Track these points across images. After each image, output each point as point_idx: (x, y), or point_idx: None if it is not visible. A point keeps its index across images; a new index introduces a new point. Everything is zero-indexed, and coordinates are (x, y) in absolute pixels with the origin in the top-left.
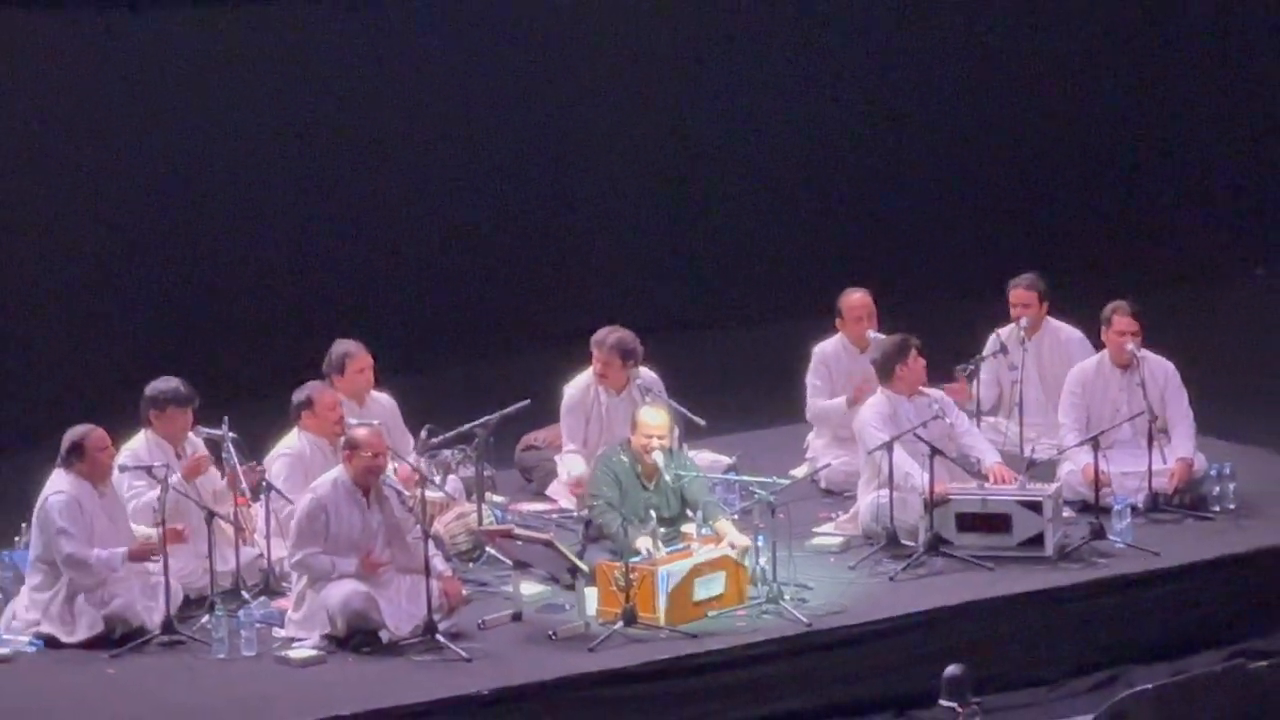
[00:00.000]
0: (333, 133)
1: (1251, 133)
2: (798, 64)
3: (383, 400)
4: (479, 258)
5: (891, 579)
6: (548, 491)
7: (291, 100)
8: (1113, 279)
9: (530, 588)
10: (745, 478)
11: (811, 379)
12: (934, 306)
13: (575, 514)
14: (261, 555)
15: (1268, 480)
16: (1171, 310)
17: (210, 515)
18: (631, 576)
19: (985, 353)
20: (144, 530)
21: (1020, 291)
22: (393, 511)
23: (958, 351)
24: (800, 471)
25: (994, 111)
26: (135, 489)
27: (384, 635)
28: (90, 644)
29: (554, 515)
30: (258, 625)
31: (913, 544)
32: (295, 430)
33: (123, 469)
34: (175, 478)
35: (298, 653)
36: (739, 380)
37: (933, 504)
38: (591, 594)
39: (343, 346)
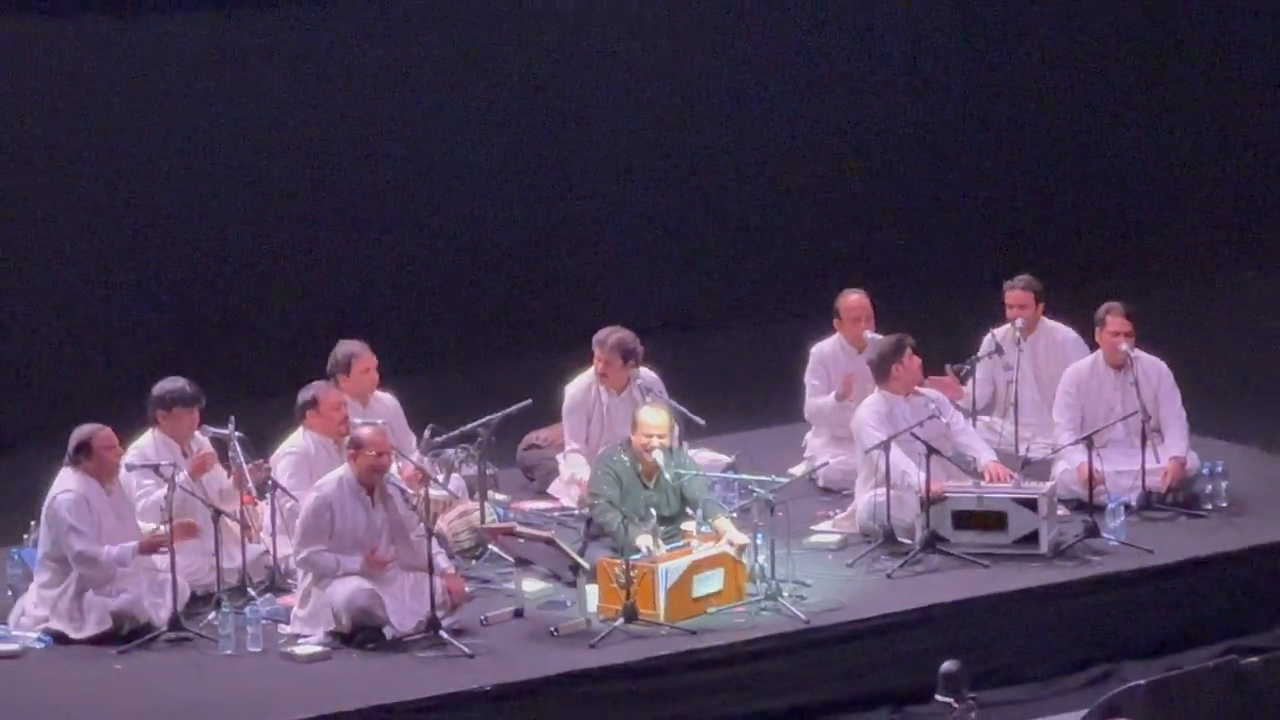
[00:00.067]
0: (337, 134)
1: (1244, 136)
2: (798, 65)
3: (386, 400)
4: (481, 258)
5: (888, 576)
6: (549, 490)
7: (296, 102)
8: (1107, 280)
9: (532, 585)
10: (744, 476)
11: (810, 379)
12: (931, 307)
13: (576, 512)
14: (267, 553)
15: (1259, 479)
16: (1165, 311)
17: (217, 513)
18: (632, 574)
19: (981, 353)
20: (151, 528)
21: (1017, 292)
22: (397, 510)
23: (954, 352)
24: (798, 470)
25: (991, 114)
26: (144, 488)
27: (388, 632)
28: (98, 640)
29: (555, 513)
30: (263, 622)
31: (909, 541)
32: (300, 429)
33: (130, 468)
34: (182, 476)
35: (303, 649)
36: (738, 380)
37: (929, 502)
38: (592, 591)
39: (348, 346)
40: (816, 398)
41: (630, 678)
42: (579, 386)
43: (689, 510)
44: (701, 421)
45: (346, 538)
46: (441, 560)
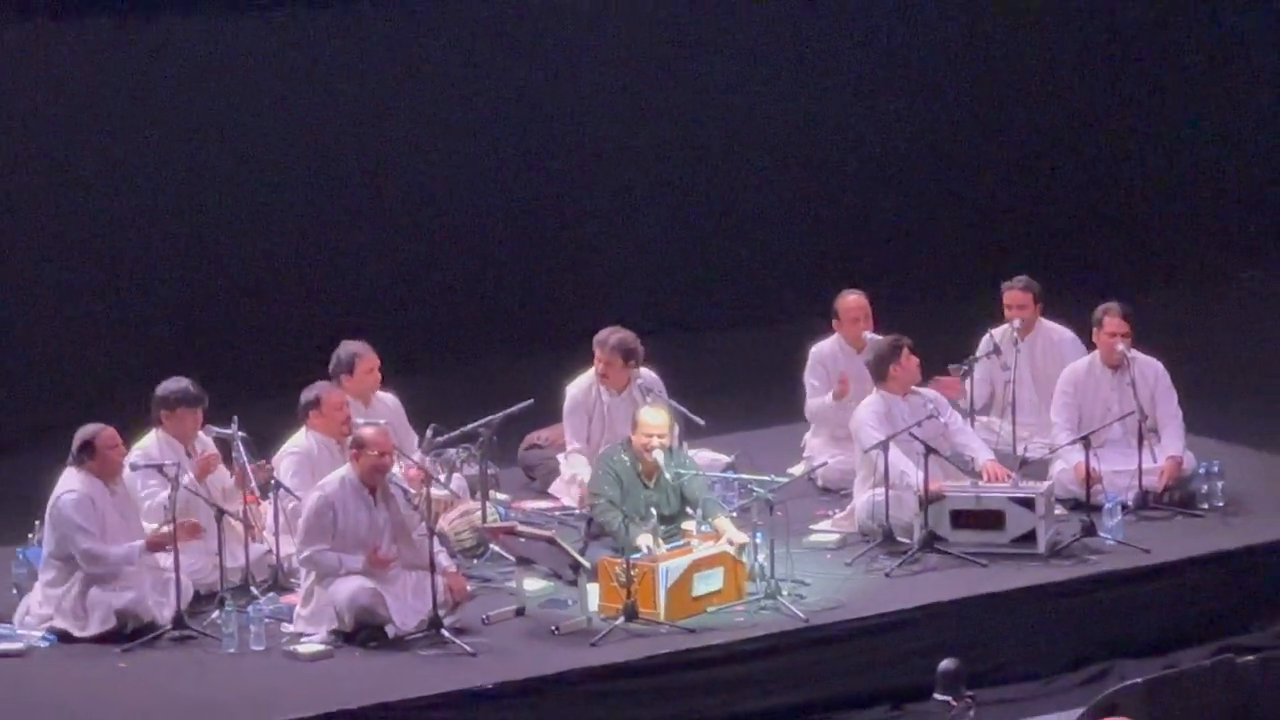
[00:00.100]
0: (340, 136)
1: (1242, 136)
2: (797, 68)
3: (388, 400)
4: (483, 260)
5: (887, 575)
6: (550, 489)
7: (300, 104)
8: (1103, 281)
9: (533, 583)
10: (744, 476)
11: (809, 379)
12: (929, 307)
13: (577, 511)
14: (270, 552)
15: (1255, 478)
16: (1161, 312)
17: (220, 513)
18: (632, 573)
19: (979, 353)
20: (154, 528)
21: (1016, 293)
22: (399, 509)
23: (952, 352)
24: (798, 470)
25: (989, 116)
26: (150, 488)
27: (390, 630)
28: (102, 638)
29: (556, 513)
30: (266, 620)
31: (908, 541)
32: (303, 429)
33: (134, 467)
34: (188, 478)
35: (306, 647)
36: (738, 380)
37: (927, 501)
38: (593, 590)
39: (352, 347)
40: (816, 398)
41: (631, 676)
42: (580, 387)
43: (689, 510)
44: (701, 421)
45: (349, 537)
46: (443, 559)
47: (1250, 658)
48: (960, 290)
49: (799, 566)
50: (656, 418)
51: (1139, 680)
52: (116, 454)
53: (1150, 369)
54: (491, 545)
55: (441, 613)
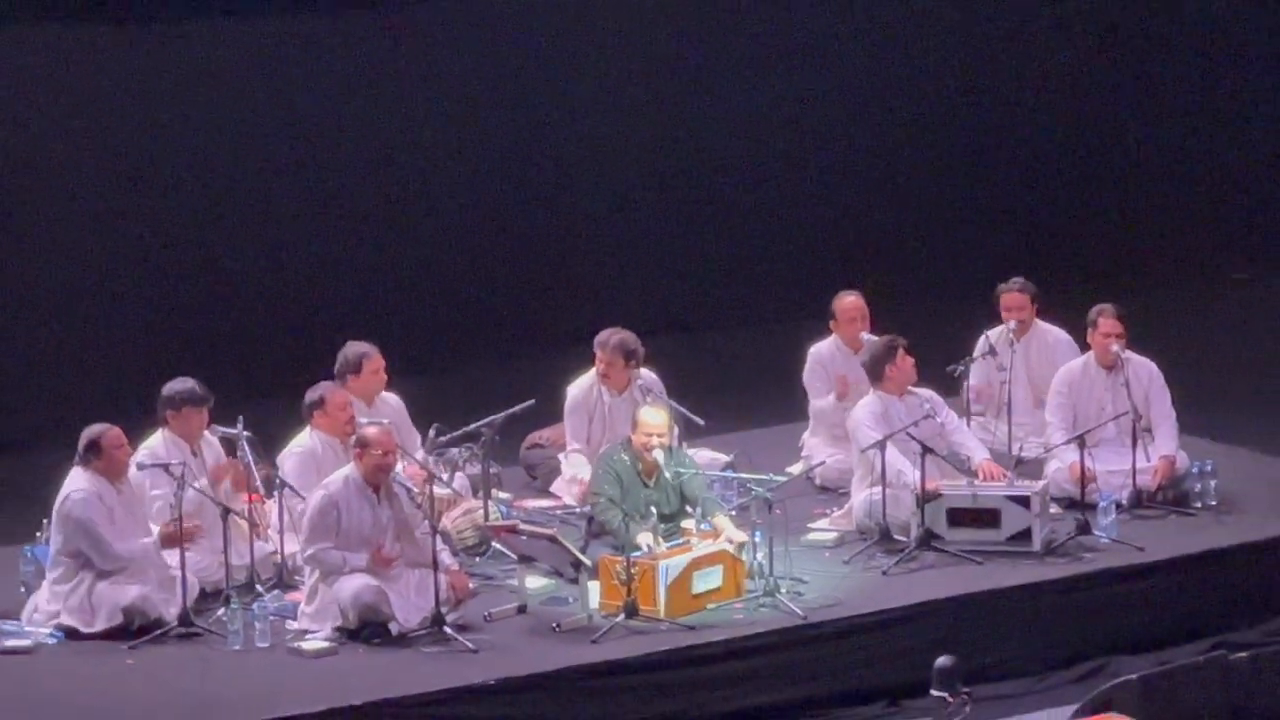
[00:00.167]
0: (342, 139)
1: (1235, 138)
2: (795, 69)
3: (391, 400)
4: (485, 261)
5: (884, 573)
6: (551, 488)
7: (303, 107)
8: (1098, 282)
9: (535, 581)
10: (743, 475)
11: (811, 380)
12: (925, 308)
13: (578, 510)
14: (275, 550)
15: (1248, 478)
16: (1155, 313)
17: (226, 511)
18: (633, 571)
19: (975, 354)
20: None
21: (1014, 295)
22: (402, 508)
23: (948, 353)
24: (796, 469)
25: (985, 119)
26: (160, 487)
27: (393, 627)
28: (109, 635)
29: (558, 511)
30: (271, 618)
31: (905, 539)
32: (307, 429)
33: (141, 467)
34: (201, 482)
35: (310, 644)
36: (737, 381)
37: (924, 500)
38: (594, 587)
39: (359, 348)
40: (819, 399)
41: (631, 673)
42: (581, 387)
43: (688, 508)
44: (701, 421)
45: (353, 535)
46: (446, 557)
47: (1242, 654)
48: (956, 291)
49: (797, 564)
50: (656, 417)
51: (1133, 676)
52: (122, 454)
53: (1144, 369)
54: (493, 543)
55: (444, 610)
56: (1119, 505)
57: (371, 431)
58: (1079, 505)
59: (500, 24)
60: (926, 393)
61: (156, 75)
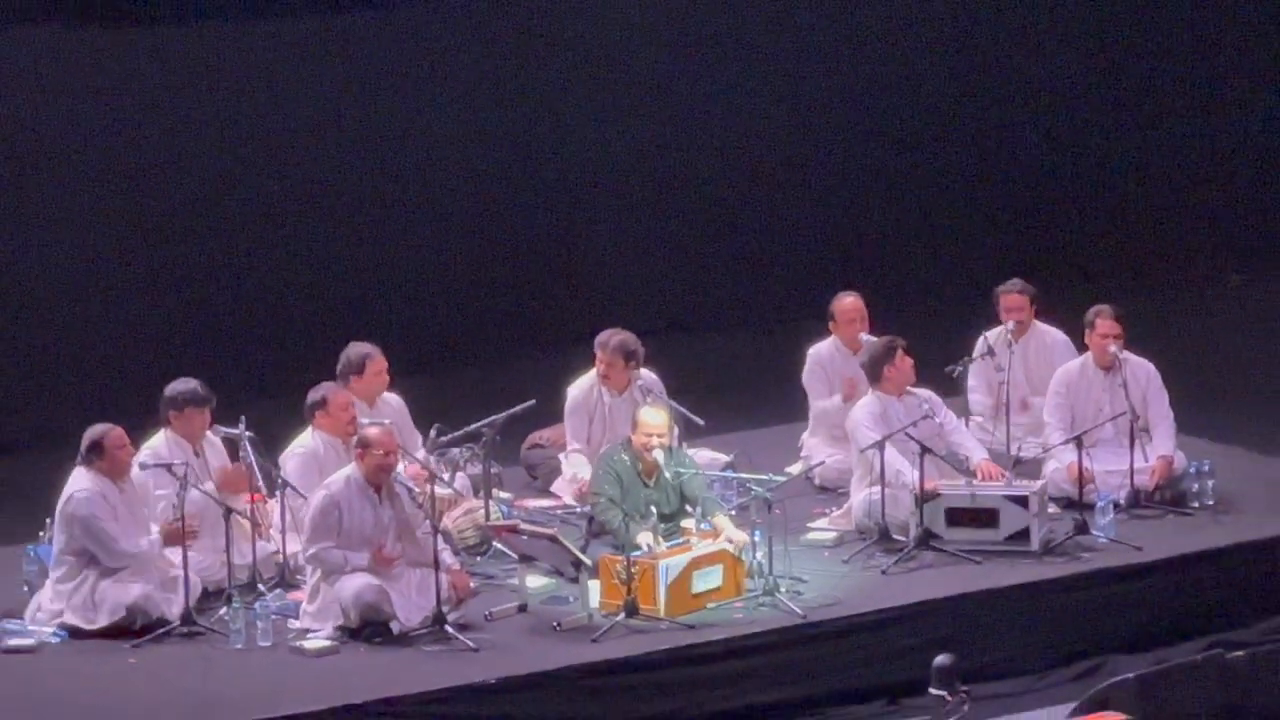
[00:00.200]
0: (344, 140)
1: (1232, 142)
2: (795, 71)
3: (392, 401)
4: (486, 262)
5: (883, 572)
6: (552, 488)
7: (305, 108)
8: (1095, 283)
9: (535, 581)
10: (742, 475)
11: (810, 381)
12: (924, 309)
13: (578, 510)
14: (277, 550)
15: (1245, 478)
16: (1153, 314)
17: (228, 511)
18: (633, 570)
19: (973, 354)
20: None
21: (1014, 297)
22: (403, 507)
23: (947, 354)
24: (795, 469)
25: (983, 120)
26: (164, 488)
27: (395, 626)
28: (111, 633)
29: (558, 511)
30: (273, 617)
31: (904, 538)
32: (309, 429)
33: (143, 467)
34: (208, 485)
35: (312, 643)
36: (736, 381)
37: (923, 500)
38: (594, 587)
39: (362, 349)
40: (820, 399)
41: (631, 671)
42: (581, 387)
43: (688, 508)
44: (701, 421)
45: (354, 535)
46: (447, 557)
47: (1239, 653)
48: (955, 292)
49: (797, 564)
50: (656, 418)
51: (1130, 675)
52: (125, 454)
53: (1142, 370)
54: (494, 543)
55: (445, 609)
56: (1117, 505)
57: (373, 432)
58: (1077, 505)
59: (502, 25)
60: (925, 393)
61: (159, 76)
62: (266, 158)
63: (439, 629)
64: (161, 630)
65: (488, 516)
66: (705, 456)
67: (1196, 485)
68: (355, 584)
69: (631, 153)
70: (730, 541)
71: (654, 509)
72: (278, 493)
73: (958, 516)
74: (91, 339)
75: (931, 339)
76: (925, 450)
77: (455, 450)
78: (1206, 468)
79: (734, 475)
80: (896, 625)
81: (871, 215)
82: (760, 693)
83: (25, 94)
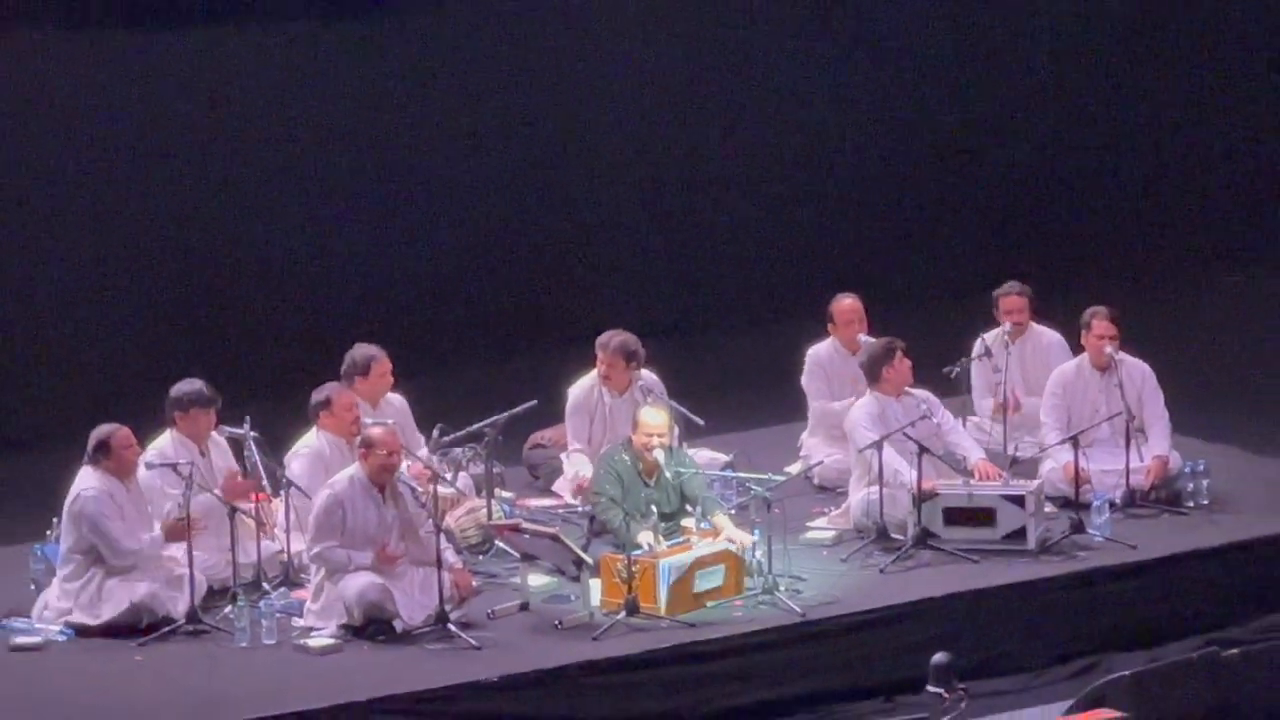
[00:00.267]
0: (348, 144)
1: (1228, 142)
2: (792, 75)
3: (395, 401)
4: (488, 264)
5: (881, 571)
6: (554, 488)
7: (309, 112)
8: (1092, 284)
9: (537, 579)
10: (742, 474)
11: (809, 382)
12: (923, 310)
13: (580, 509)
14: (282, 549)
15: (1239, 477)
16: (1148, 315)
17: (233, 510)
18: (634, 569)
19: (971, 355)
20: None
21: (1012, 299)
22: (406, 507)
23: (945, 354)
24: (794, 469)
25: (980, 122)
26: (169, 493)
27: (398, 625)
28: (117, 629)
29: (560, 510)
30: (278, 615)
31: (902, 537)
32: (314, 429)
33: (149, 466)
34: (215, 489)
35: (316, 641)
36: (736, 381)
37: (921, 499)
38: (595, 585)
39: (367, 350)
40: (820, 400)
41: (632, 669)
42: (582, 388)
43: (688, 507)
44: (701, 421)
45: (358, 534)
46: (449, 556)
47: (1233, 651)
48: (953, 294)
49: (796, 562)
50: (656, 418)
51: (1126, 673)
52: (131, 453)
53: (1138, 371)
54: (497, 542)
55: (448, 607)
56: (1112, 504)
57: (376, 432)
58: (1073, 505)
59: (504, 29)
60: (923, 393)
61: (165, 78)
62: (271, 160)
63: (442, 627)
64: (167, 628)
65: (490, 516)
66: (705, 456)
67: (1191, 485)
68: (359, 583)
69: (632, 154)
70: (732, 541)
71: (654, 508)
72: (282, 492)
73: (955, 516)
74: (97, 339)
75: (929, 340)
76: (923, 450)
77: (457, 450)
78: (1201, 467)
79: (734, 475)
80: (894, 624)
81: (870, 217)
82: (760, 690)
83: (28, 96)
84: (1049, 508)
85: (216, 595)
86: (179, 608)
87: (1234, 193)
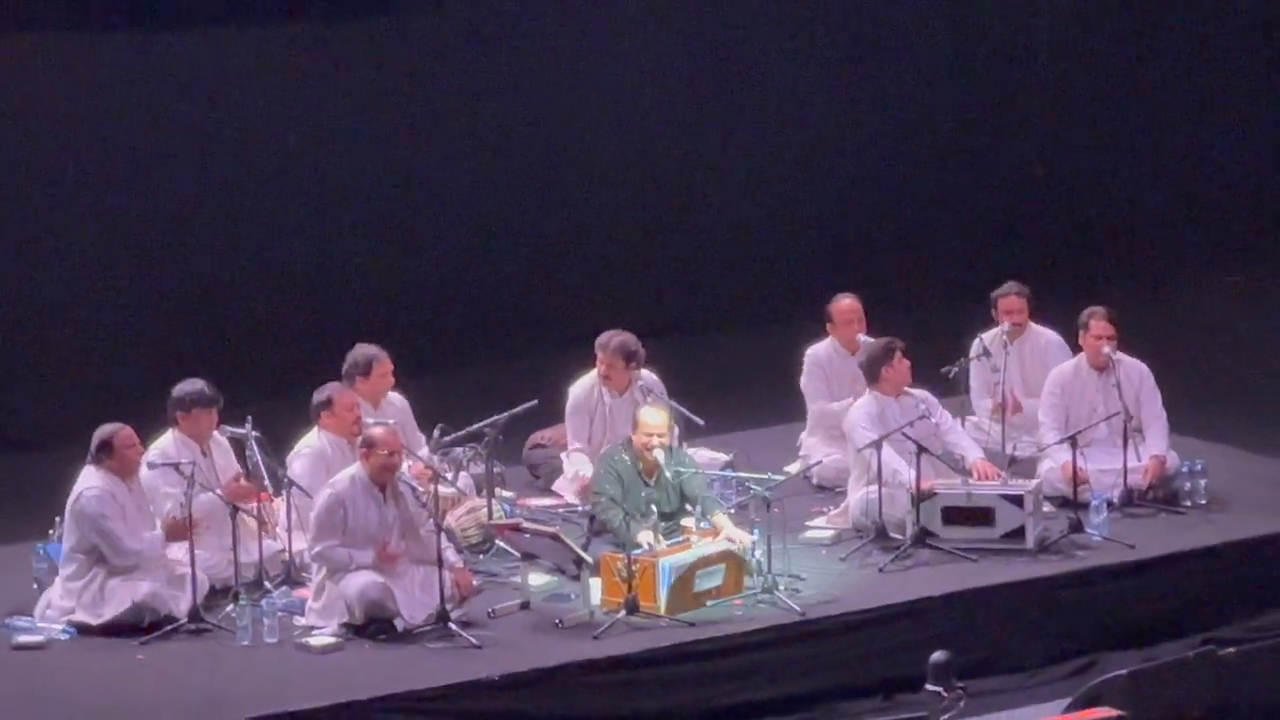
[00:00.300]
0: (350, 145)
1: (1226, 143)
2: (792, 75)
3: (396, 401)
4: (488, 264)
5: (880, 570)
6: (554, 487)
7: (310, 113)
8: (1090, 285)
9: (538, 578)
10: (741, 474)
11: (808, 382)
12: (922, 310)
13: (580, 509)
14: (283, 548)
15: (1237, 477)
16: (1146, 315)
17: (235, 510)
18: (634, 568)
19: (970, 355)
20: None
21: (1011, 299)
22: (407, 506)
23: (944, 355)
24: (794, 468)
25: (979, 122)
26: (173, 489)
27: (399, 624)
28: (118, 627)
29: (560, 510)
30: (279, 614)
31: (900, 537)
32: (315, 429)
33: (151, 466)
34: (217, 491)
35: (317, 640)
36: (736, 381)
37: (919, 499)
38: (596, 584)
39: (368, 350)
40: (820, 400)
41: (632, 668)
42: (582, 388)
43: (688, 507)
44: (701, 421)
45: (359, 533)
46: (450, 555)
47: (1230, 650)
48: (952, 294)
49: (795, 562)
50: (656, 418)
51: (1123, 672)
52: (134, 453)
53: (1135, 370)
54: (497, 541)
55: (449, 606)
56: (1110, 504)
57: (377, 432)
58: (1071, 504)
59: (504, 29)
60: (922, 393)
61: (169, 79)
62: (271, 161)
63: (442, 626)
64: (169, 627)
65: (490, 515)
66: (705, 456)
67: (1189, 484)
68: (360, 581)
69: (631, 154)
70: (732, 541)
71: (654, 508)
72: (284, 491)
73: (954, 515)
74: (100, 339)
75: (928, 340)
76: (922, 450)
77: (458, 450)
78: (1199, 467)
79: (733, 474)
80: (893, 622)
81: (870, 217)
82: (759, 689)
83: (31, 97)
84: (1047, 507)
85: (218, 594)
86: (181, 607)
87: (1234, 193)
